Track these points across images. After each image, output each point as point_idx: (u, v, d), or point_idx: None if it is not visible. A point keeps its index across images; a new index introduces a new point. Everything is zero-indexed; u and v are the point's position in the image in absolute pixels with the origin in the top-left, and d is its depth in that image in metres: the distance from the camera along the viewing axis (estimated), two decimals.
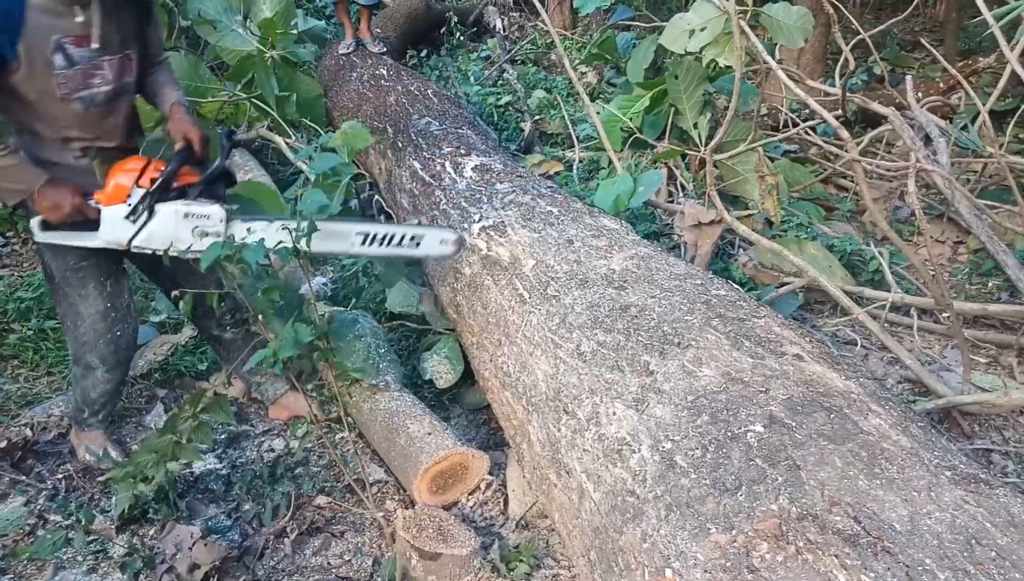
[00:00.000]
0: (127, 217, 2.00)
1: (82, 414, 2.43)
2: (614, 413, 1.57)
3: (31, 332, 3.02)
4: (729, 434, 1.34)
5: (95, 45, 1.99)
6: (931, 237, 3.96)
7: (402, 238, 2.27)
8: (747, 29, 3.04)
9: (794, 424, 1.30)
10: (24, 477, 2.37)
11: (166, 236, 2.03)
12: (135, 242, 2.04)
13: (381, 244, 2.24)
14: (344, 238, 2.21)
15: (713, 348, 1.58)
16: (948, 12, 7.38)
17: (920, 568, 1.02)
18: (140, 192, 2.00)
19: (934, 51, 3.65)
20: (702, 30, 3.43)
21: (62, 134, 2.06)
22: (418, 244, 2.31)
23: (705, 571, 1.15)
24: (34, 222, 2.04)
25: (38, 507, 2.24)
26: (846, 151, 2.99)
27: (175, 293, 1.95)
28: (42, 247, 2.16)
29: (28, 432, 2.53)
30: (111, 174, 2.03)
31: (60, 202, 1.98)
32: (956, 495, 1.15)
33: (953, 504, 1.13)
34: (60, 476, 2.39)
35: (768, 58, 3.03)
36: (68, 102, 2.00)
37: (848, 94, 4.14)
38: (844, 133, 2.81)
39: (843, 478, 1.18)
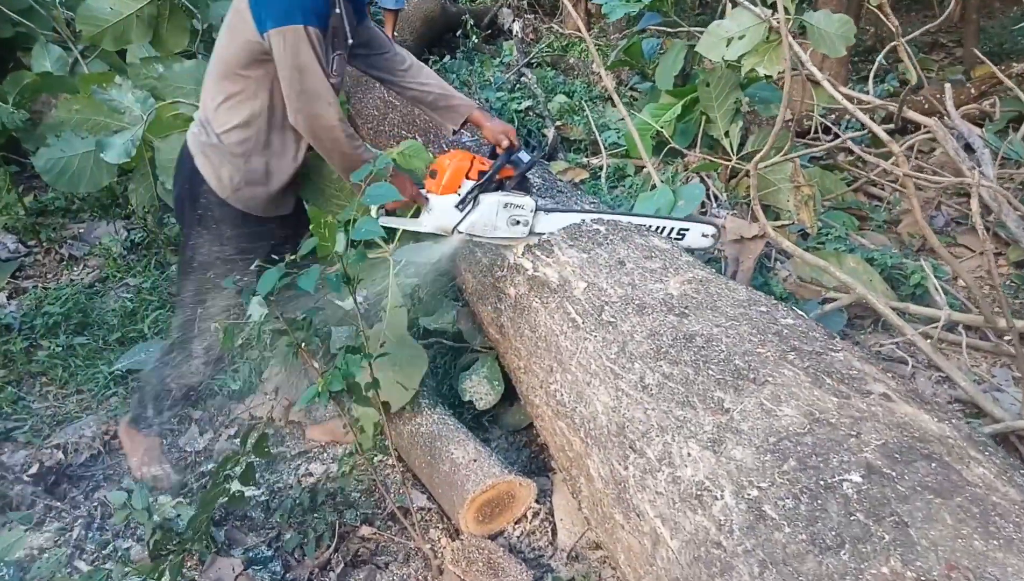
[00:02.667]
0: (457, 205, 2.20)
1: (145, 411, 2.36)
2: (688, 454, 1.50)
3: (60, 348, 2.97)
4: (822, 483, 1.27)
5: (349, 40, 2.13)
6: (969, 249, 3.89)
7: (670, 231, 2.48)
8: (791, 40, 2.96)
9: (894, 474, 1.23)
10: (59, 503, 2.32)
11: (486, 224, 2.24)
12: (460, 227, 2.23)
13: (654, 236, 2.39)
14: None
15: (792, 385, 1.51)
16: (968, 14, 7.28)
17: None
18: (470, 184, 2.20)
19: (986, 60, 3.54)
20: (740, 38, 3.35)
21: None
22: (683, 237, 2.51)
23: None
24: (373, 209, 2.19)
25: (74, 536, 2.19)
26: (896, 164, 2.91)
27: (216, 323, 1.89)
28: (198, 229, 2.19)
29: (61, 455, 2.48)
30: (439, 167, 2.22)
31: (404, 189, 2.12)
32: None
33: None
34: (95, 503, 2.33)
35: (813, 68, 2.95)
36: None
37: (882, 101, 4.08)
38: (895, 147, 2.73)
39: (956, 537, 1.11)
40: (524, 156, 2.30)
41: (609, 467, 1.71)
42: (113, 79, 3.93)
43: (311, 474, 2.45)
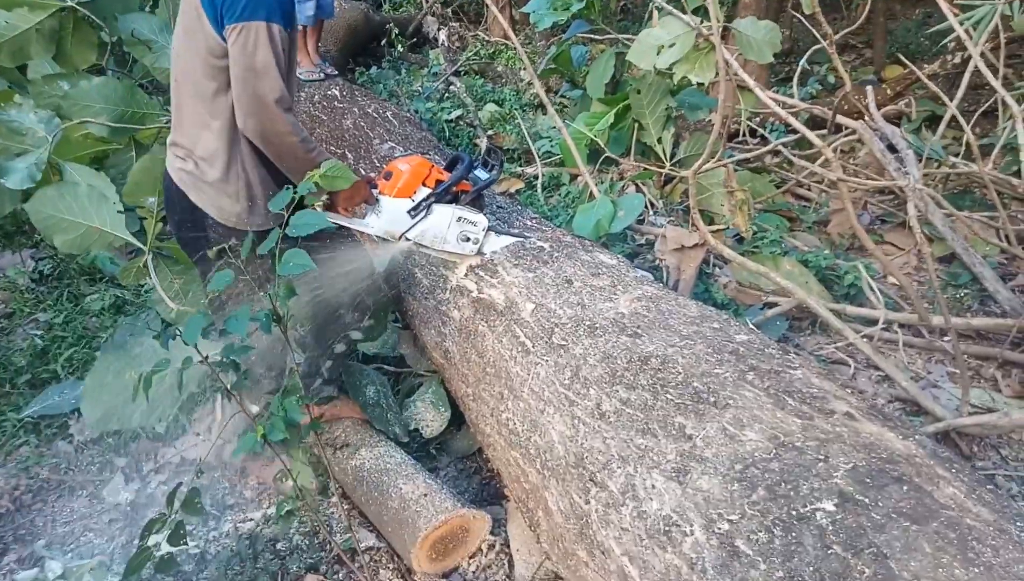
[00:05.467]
0: (409, 211, 2.13)
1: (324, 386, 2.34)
2: (653, 485, 1.43)
3: None
4: (794, 513, 1.23)
5: None
6: (896, 247, 4.01)
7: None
8: (720, 46, 2.96)
9: (867, 501, 1.20)
10: None
11: (435, 235, 2.18)
12: (408, 234, 2.15)
13: None
14: None
15: (753, 407, 1.47)
16: (875, 16, 7.57)
17: None
18: (425, 191, 2.15)
19: (908, 62, 3.63)
20: (671, 46, 3.35)
21: None
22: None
23: None
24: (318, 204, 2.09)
25: None
26: (827, 167, 2.95)
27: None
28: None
29: None
30: (394, 170, 2.15)
31: (359, 188, 2.09)
32: None
33: None
34: (3, 570, 2.12)
35: (746, 76, 2.97)
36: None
37: (807, 104, 4.16)
38: (829, 152, 2.76)
39: (937, 567, 1.08)
40: (482, 174, 2.24)
41: (569, 500, 1.64)
42: (12, 98, 3.66)
43: (249, 519, 2.30)
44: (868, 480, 1.24)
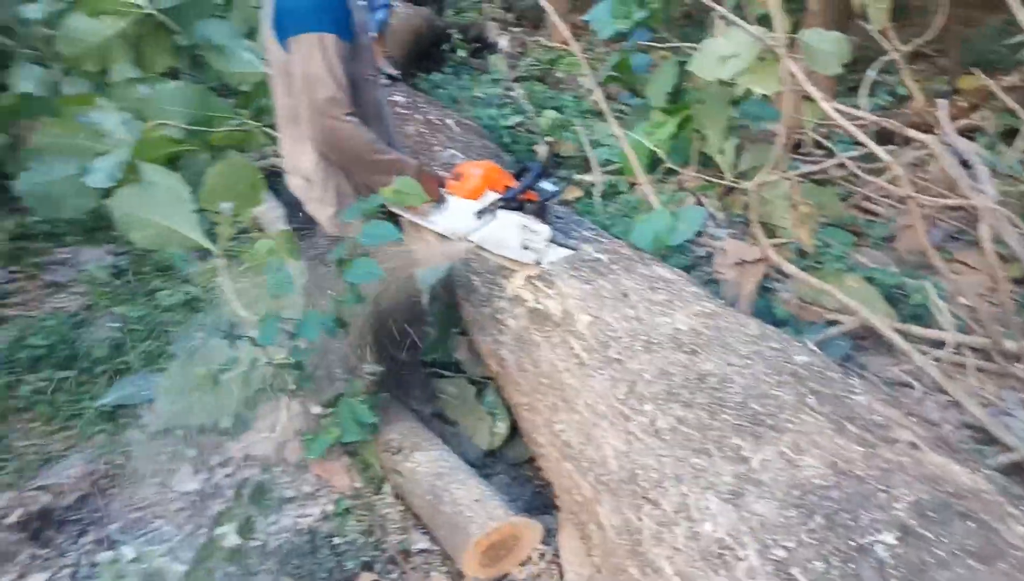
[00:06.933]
0: (476, 213, 2.15)
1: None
2: (707, 507, 1.43)
3: (44, 383, 2.87)
4: (853, 544, 1.21)
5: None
6: (966, 265, 3.87)
7: None
8: (786, 58, 2.92)
9: (930, 535, 1.18)
10: (44, 551, 2.22)
11: (498, 239, 2.18)
12: (471, 237, 2.16)
13: None
14: None
15: (813, 432, 1.45)
16: (949, 23, 7.28)
17: None
18: (493, 196, 2.16)
19: (980, 75, 3.50)
20: (735, 57, 3.31)
21: None
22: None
23: None
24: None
25: None
26: (896, 183, 2.88)
27: None
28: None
29: (46, 498, 2.38)
30: (465, 173, 2.20)
31: (430, 187, 2.13)
32: None
33: None
34: (83, 549, 2.24)
35: (812, 89, 2.92)
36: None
37: (876, 117, 4.05)
38: (898, 168, 2.69)
39: None
40: (549, 186, 2.25)
41: (621, 516, 1.65)
42: (94, 101, 3.84)
43: (308, 514, 2.37)
44: (932, 514, 1.22)
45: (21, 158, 3.71)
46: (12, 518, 2.28)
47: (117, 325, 3.23)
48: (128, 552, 1.97)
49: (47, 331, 3.08)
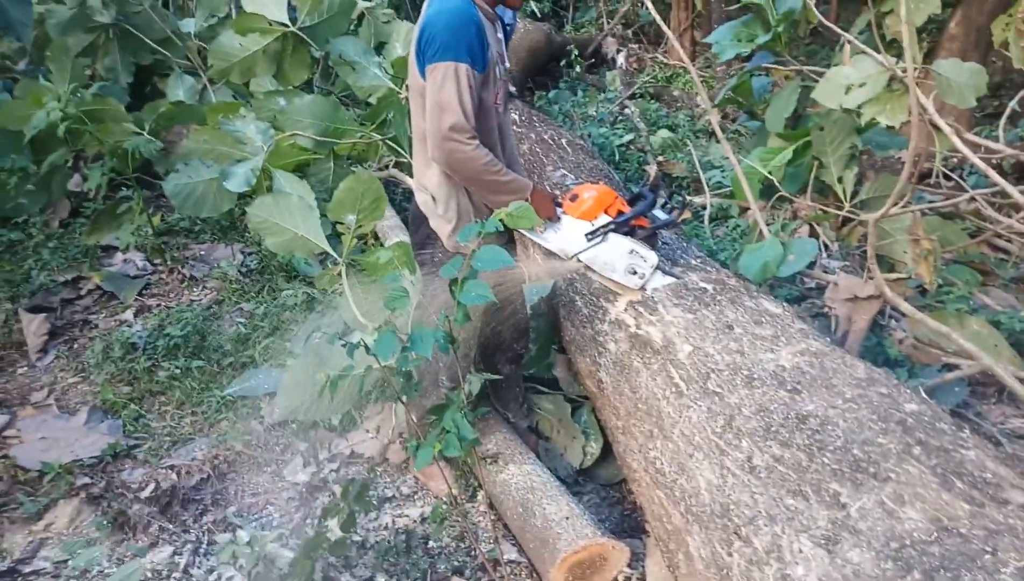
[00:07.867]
0: (587, 234, 2.23)
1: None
2: (800, 550, 1.43)
3: (178, 370, 3.14)
4: None
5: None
6: None
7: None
8: (916, 90, 2.81)
9: None
10: (171, 525, 2.44)
11: (605, 261, 2.25)
12: (580, 256, 2.25)
13: None
14: None
15: (917, 484, 1.42)
16: None
17: None
18: (605, 219, 2.24)
19: None
20: (861, 86, 3.22)
21: None
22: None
23: None
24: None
25: (183, 562, 2.29)
26: None
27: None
28: None
29: (174, 477, 2.61)
30: (580, 194, 2.28)
31: (544, 205, 2.22)
32: None
33: None
34: (203, 528, 2.44)
35: (941, 122, 2.79)
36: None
37: (1013, 150, 3.81)
38: None
39: None
40: (661, 215, 2.30)
41: (711, 549, 1.66)
42: (239, 110, 4.17)
43: (406, 515, 2.49)
44: None
45: (171, 161, 4.09)
46: (147, 492, 2.52)
47: (243, 320, 3.49)
48: (243, 535, 2.14)
49: (183, 322, 3.37)
